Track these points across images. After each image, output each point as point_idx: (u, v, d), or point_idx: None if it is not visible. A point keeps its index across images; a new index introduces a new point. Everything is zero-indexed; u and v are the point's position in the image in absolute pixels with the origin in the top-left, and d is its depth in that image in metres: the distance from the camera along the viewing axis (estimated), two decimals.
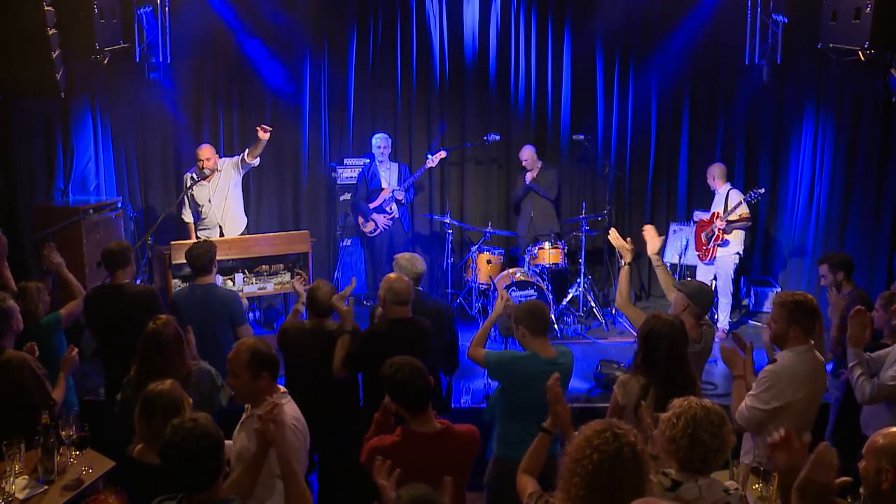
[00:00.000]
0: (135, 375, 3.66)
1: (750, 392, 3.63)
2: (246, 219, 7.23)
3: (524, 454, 3.03)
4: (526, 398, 3.80)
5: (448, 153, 7.75)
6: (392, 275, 4.35)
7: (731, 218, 6.97)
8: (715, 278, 7.21)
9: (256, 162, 6.98)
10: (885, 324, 4.30)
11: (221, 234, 6.89)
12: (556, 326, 7.19)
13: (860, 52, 5.75)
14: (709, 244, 7.10)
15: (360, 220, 7.74)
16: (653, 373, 3.49)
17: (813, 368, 3.60)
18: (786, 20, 7.12)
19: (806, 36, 7.21)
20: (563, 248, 7.51)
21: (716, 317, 7.24)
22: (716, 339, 4.28)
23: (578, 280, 7.64)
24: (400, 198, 7.58)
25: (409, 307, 4.26)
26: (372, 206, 7.62)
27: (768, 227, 8.27)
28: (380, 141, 7.63)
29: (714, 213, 7.13)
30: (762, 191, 6.97)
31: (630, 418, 3.48)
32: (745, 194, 6.96)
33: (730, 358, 3.82)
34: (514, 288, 6.92)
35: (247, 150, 6.91)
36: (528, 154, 7.76)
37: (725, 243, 7.06)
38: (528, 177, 7.77)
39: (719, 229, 7.01)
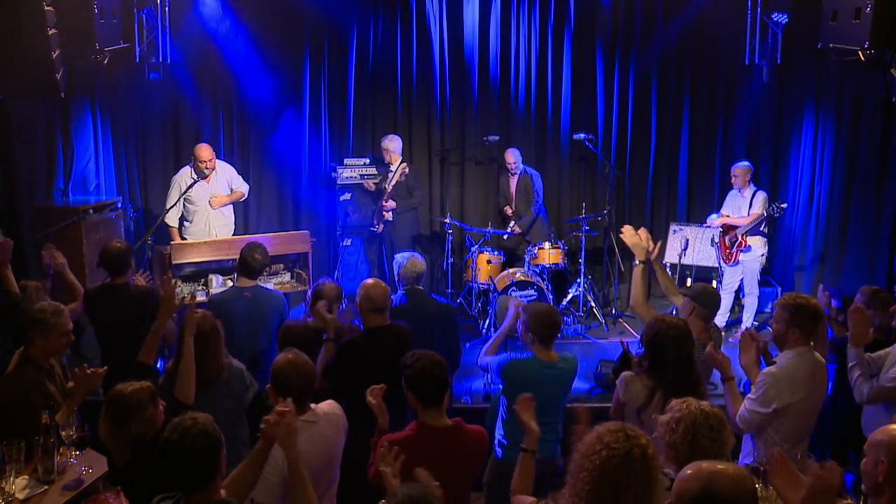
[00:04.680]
0: (172, 366, 3.70)
1: (749, 395, 3.62)
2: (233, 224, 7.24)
3: None
4: None
5: (409, 162, 7.82)
6: (369, 280, 4.22)
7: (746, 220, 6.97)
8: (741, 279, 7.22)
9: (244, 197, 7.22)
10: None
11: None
12: None
13: (860, 52, 5.74)
14: (732, 248, 7.10)
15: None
16: (660, 374, 3.48)
17: (812, 370, 3.59)
18: (786, 19, 7.11)
19: (806, 36, 7.22)
20: (563, 248, 7.52)
21: (742, 316, 7.27)
22: (732, 339, 4.24)
23: (578, 280, 7.64)
24: (392, 204, 7.57)
25: (387, 314, 4.14)
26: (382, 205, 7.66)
27: (768, 227, 8.26)
28: (383, 143, 7.67)
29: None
30: (784, 205, 6.95)
31: (631, 417, 3.48)
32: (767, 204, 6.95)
33: (717, 361, 3.75)
34: (514, 288, 6.92)
35: (231, 193, 7.02)
36: (513, 157, 7.76)
37: (747, 249, 7.03)
38: (512, 183, 7.81)
39: (742, 235, 6.99)
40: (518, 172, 7.78)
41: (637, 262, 4.43)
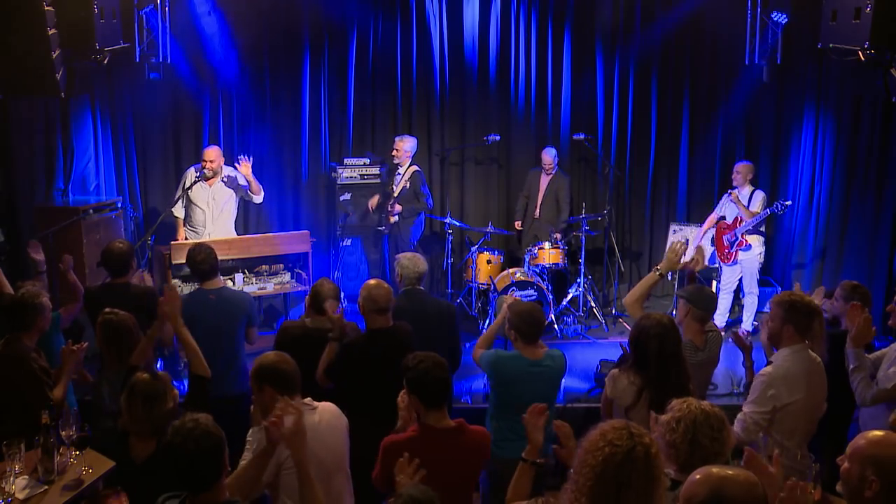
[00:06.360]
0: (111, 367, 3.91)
1: (747, 400, 3.62)
2: (235, 234, 7.10)
3: (512, 451, 3.02)
4: (510, 397, 3.82)
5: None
6: (371, 281, 4.20)
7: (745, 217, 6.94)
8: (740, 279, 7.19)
9: (258, 199, 7.04)
10: (842, 312, 4.30)
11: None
12: (556, 326, 7.20)
13: (860, 52, 5.74)
14: (731, 248, 7.07)
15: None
16: (645, 373, 3.48)
17: (808, 369, 3.58)
18: (786, 19, 7.11)
19: (806, 36, 7.22)
20: (563, 248, 7.52)
21: (742, 316, 7.24)
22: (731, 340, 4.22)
23: (578, 280, 7.64)
24: (398, 208, 7.48)
25: (389, 315, 4.13)
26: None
27: (768, 227, 8.25)
28: (396, 142, 7.58)
29: (737, 219, 7.02)
30: (788, 202, 6.92)
31: (619, 414, 3.49)
32: (770, 204, 6.91)
33: (743, 344, 4.00)
34: (514, 288, 6.92)
35: (250, 190, 6.89)
36: (549, 157, 7.76)
37: (748, 247, 7.00)
38: (544, 181, 7.81)
39: (743, 234, 6.97)
40: (553, 173, 7.79)
41: (658, 270, 4.16)
